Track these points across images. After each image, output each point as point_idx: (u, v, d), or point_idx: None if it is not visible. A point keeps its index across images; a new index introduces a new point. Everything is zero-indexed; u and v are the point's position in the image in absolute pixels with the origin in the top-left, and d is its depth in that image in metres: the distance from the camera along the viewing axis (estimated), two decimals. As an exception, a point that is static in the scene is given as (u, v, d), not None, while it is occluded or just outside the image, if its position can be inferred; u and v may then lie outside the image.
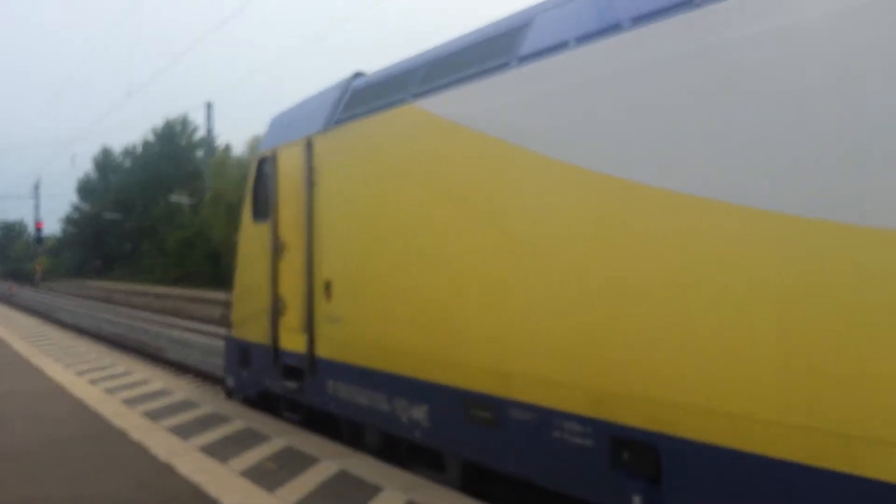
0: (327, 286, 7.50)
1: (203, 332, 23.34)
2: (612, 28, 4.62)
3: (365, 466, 6.58)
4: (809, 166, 3.53)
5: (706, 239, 3.94)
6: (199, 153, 61.14)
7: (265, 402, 9.20)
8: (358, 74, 7.89)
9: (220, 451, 7.25)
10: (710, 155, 3.97)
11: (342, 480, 6.21)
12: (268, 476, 6.35)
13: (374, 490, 5.87)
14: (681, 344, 4.05)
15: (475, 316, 5.54)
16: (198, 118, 69.26)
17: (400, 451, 6.75)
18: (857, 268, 3.32)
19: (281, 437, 7.74)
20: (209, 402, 9.95)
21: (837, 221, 3.37)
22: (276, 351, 8.48)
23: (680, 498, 4.09)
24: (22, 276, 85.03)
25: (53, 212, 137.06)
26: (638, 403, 4.28)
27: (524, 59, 5.30)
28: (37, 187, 73.47)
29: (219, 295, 32.90)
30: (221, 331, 22.91)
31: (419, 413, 6.15)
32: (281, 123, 9.15)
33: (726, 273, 3.85)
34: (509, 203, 5.28)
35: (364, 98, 7.32)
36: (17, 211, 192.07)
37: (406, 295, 6.36)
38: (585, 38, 4.80)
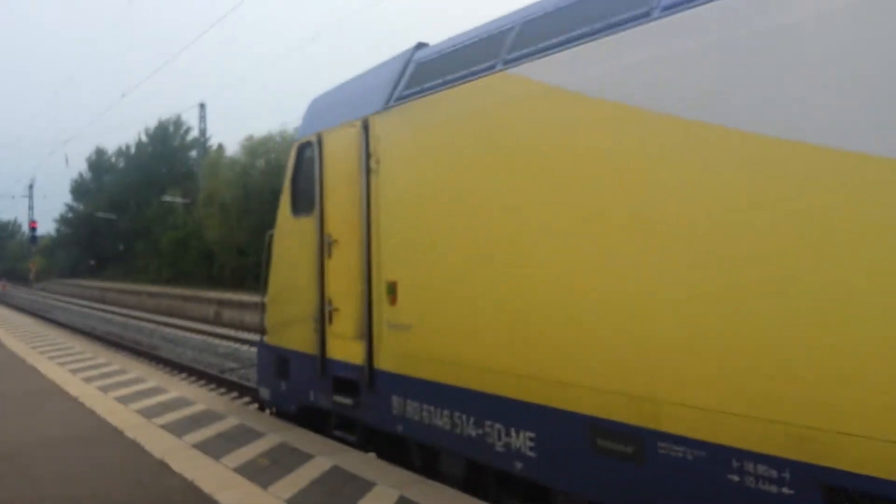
0: (391, 288, 6.51)
1: (196, 330, 23.34)
2: None
3: (358, 462, 6.58)
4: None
5: None
6: (193, 153, 60.97)
7: (308, 418, 8.20)
8: (421, 45, 6.91)
9: (214, 448, 7.23)
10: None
11: (336, 476, 6.18)
12: (262, 473, 6.35)
13: (368, 485, 5.88)
14: None
15: (606, 328, 4.49)
16: (191, 118, 69.25)
17: (489, 481, 5.87)
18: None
19: (275, 433, 7.72)
20: (202, 400, 9.95)
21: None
22: (323, 361, 7.51)
23: None
24: (16, 276, 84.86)
25: (48, 212, 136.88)
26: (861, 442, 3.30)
27: (671, 7, 4.28)
28: (31, 187, 73.23)
29: (212, 294, 32.89)
30: (217, 329, 23.06)
31: (520, 441, 5.17)
32: (324, 105, 8.06)
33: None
34: (654, 185, 4.25)
35: (433, 70, 6.33)
36: (12, 211, 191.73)
37: (502, 299, 5.31)
38: None
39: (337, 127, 7.42)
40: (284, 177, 8.51)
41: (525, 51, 5.31)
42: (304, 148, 8.08)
